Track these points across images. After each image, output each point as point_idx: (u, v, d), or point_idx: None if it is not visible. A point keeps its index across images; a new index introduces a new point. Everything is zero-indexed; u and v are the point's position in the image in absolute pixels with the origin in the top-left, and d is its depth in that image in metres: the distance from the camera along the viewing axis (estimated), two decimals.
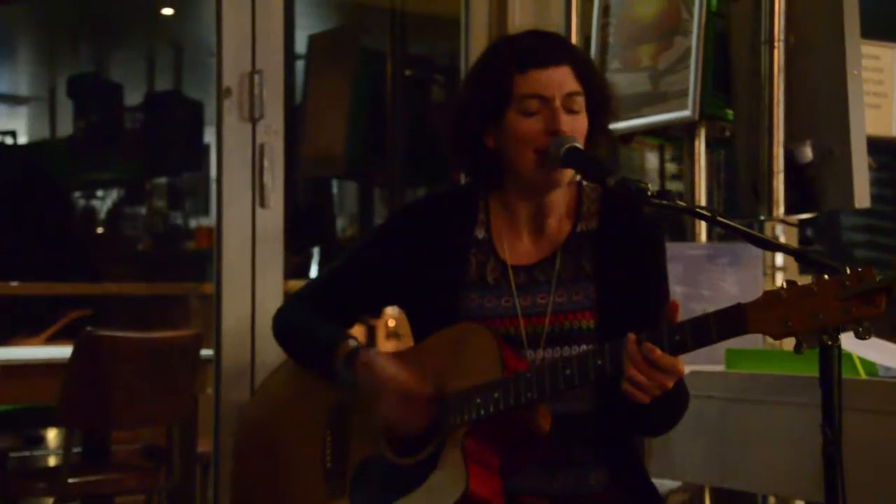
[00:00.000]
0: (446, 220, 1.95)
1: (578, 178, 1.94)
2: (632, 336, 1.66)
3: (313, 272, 6.61)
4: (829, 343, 1.57)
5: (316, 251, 6.80)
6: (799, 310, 1.56)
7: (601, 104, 1.91)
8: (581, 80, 1.87)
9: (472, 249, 1.93)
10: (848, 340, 1.83)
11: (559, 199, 1.92)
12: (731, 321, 1.62)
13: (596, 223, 1.92)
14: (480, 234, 1.94)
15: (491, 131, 1.89)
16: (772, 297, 1.59)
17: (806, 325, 1.56)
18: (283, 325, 2.03)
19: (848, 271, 1.54)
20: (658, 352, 1.64)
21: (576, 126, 1.85)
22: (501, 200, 1.95)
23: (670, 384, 1.66)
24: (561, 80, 1.85)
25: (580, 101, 1.86)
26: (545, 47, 1.87)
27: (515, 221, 1.93)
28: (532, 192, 1.90)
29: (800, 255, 1.65)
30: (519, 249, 1.92)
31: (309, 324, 1.98)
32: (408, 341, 2.01)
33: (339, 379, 1.90)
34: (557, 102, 1.84)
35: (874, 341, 2.19)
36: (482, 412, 1.75)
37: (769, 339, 1.64)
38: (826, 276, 1.55)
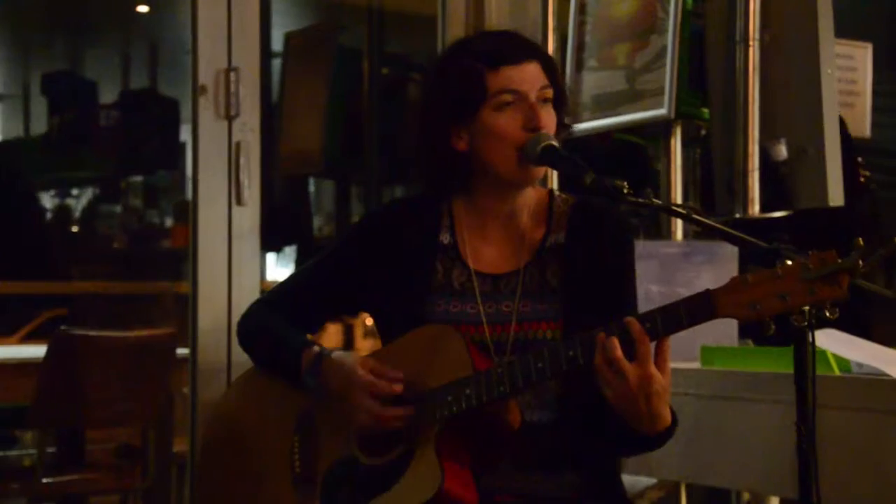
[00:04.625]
0: (412, 225, 1.95)
1: (553, 187, 1.95)
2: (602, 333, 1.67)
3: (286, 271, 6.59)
4: (796, 324, 1.59)
5: (292, 249, 6.78)
6: (765, 293, 1.59)
7: (562, 98, 1.93)
8: (548, 74, 1.88)
9: (438, 255, 1.92)
10: (822, 338, 1.84)
11: (528, 200, 1.92)
12: (699, 306, 1.64)
13: (564, 236, 1.91)
14: (446, 238, 1.94)
15: (462, 133, 1.88)
16: (738, 282, 1.62)
17: (773, 307, 1.59)
18: (247, 333, 2.03)
19: (811, 255, 1.58)
20: (637, 327, 1.64)
21: (551, 119, 1.87)
22: (468, 203, 1.94)
23: (633, 376, 1.64)
24: (534, 75, 1.86)
25: (551, 93, 1.88)
26: (514, 44, 1.88)
27: (484, 224, 1.93)
28: (505, 191, 1.90)
29: (774, 253, 1.66)
30: (485, 256, 1.92)
31: (272, 330, 1.97)
32: None
33: (304, 385, 1.89)
34: (533, 98, 1.84)
35: (848, 338, 2.20)
36: (454, 409, 1.76)
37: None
38: (790, 261, 1.59)
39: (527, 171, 1.85)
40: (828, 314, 1.57)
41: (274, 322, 1.98)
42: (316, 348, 1.90)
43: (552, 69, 1.90)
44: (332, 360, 1.87)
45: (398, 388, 1.81)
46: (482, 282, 1.90)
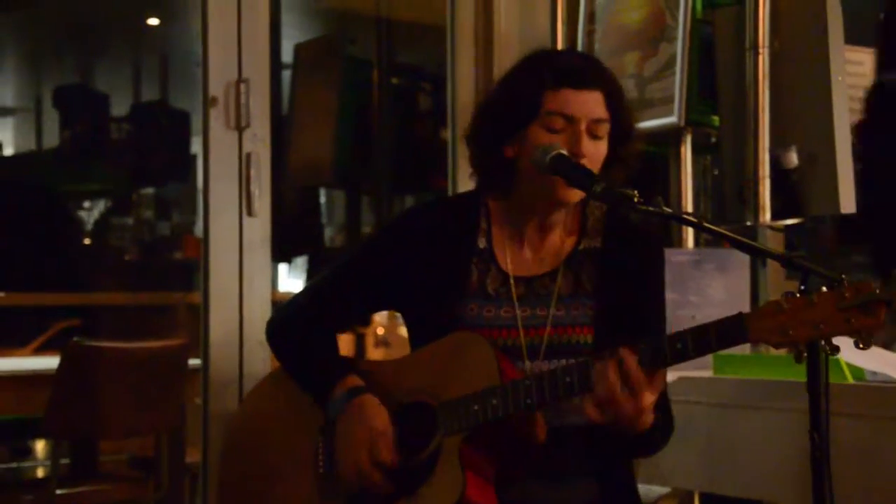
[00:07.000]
0: (448, 228, 1.96)
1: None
2: (624, 350, 1.66)
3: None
4: (828, 353, 1.59)
5: (303, 260, 6.80)
6: (799, 320, 1.58)
7: (624, 135, 1.91)
8: (610, 108, 1.87)
9: (474, 259, 1.93)
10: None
11: (563, 217, 1.93)
12: (731, 330, 1.63)
13: (600, 241, 1.93)
14: (482, 243, 1.95)
15: (513, 141, 1.89)
16: (772, 307, 1.61)
17: (807, 335, 1.58)
18: (283, 337, 2.03)
19: (846, 283, 1.57)
20: (633, 365, 1.64)
21: (597, 151, 1.86)
22: (506, 210, 1.95)
23: (629, 409, 1.65)
24: (592, 104, 1.85)
25: (605, 128, 1.87)
26: (582, 69, 1.88)
27: (519, 233, 1.94)
28: (540, 207, 1.91)
29: (786, 261, 1.65)
30: (520, 260, 1.93)
31: (312, 341, 1.98)
32: (396, 350, 2.01)
33: (327, 406, 1.90)
34: (583, 126, 1.84)
35: None
36: (480, 419, 1.76)
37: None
38: (824, 289, 1.57)
39: (558, 191, 1.84)
40: (861, 345, 1.56)
41: (311, 331, 1.98)
42: (356, 380, 1.90)
43: (617, 104, 1.88)
44: (363, 399, 1.87)
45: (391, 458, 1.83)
46: (518, 285, 1.91)
